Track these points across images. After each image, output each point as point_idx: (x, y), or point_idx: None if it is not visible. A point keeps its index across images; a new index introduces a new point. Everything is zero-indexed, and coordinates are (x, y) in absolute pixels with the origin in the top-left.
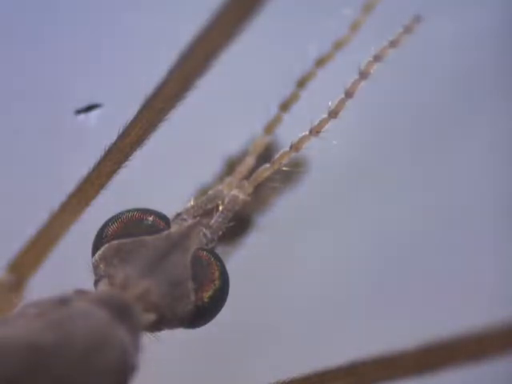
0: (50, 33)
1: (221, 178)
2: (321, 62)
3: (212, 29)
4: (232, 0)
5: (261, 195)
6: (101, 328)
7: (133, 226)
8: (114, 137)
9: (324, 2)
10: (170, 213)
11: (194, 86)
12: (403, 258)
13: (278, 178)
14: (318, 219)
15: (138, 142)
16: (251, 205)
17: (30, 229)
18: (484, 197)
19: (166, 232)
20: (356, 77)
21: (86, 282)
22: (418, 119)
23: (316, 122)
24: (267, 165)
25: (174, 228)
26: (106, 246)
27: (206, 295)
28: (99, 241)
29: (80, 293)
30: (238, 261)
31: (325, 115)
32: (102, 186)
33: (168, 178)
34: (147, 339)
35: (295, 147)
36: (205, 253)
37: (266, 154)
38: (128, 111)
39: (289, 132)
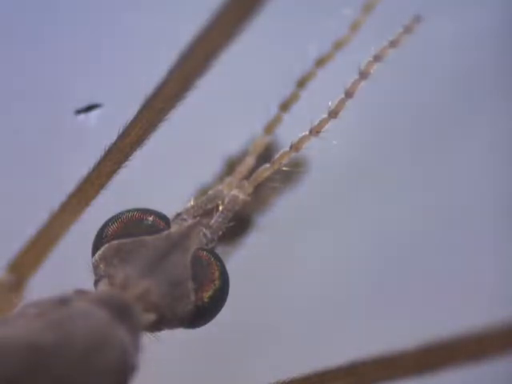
0: (50, 33)
1: (221, 178)
2: (321, 62)
3: (212, 29)
4: (232, 0)
5: (261, 195)
6: (101, 328)
7: (133, 225)
8: (113, 137)
9: (324, 2)
10: (170, 213)
11: (194, 86)
12: (403, 258)
13: (277, 177)
14: (317, 219)
15: (137, 141)
16: (251, 205)
17: (30, 229)
18: (484, 197)
19: (165, 232)
20: (356, 77)
21: (86, 281)
22: (418, 119)
23: (316, 122)
24: (267, 165)
25: (174, 228)
26: (106, 246)
27: (206, 295)
28: (99, 241)
29: (80, 293)
30: (238, 261)
31: (325, 115)
32: (102, 185)
33: (168, 178)
34: (147, 339)
35: (295, 147)
36: (205, 253)
37: (266, 154)
38: (128, 111)
39: (289, 132)
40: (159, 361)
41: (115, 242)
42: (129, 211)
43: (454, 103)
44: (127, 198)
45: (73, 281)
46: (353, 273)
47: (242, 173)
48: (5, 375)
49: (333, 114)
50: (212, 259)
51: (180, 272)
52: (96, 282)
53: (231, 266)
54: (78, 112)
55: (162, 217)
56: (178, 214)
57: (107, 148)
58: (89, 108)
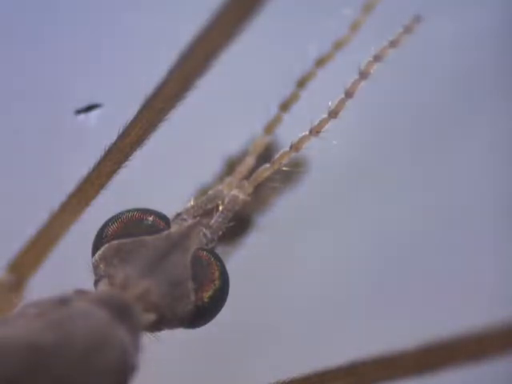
0: (50, 33)
1: (221, 178)
2: (321, 62)
3: (212, 29)
4: (232, 0)
5: (261, 195)
6: (101, 328)
7: (133, 225)
8: (114, 137)
9: (324, 2)
10: (170, 213)
11: (194, 86)
12: (403, 258)
13: (277, 177)
14: (317, 219)
15: (138, 141)
16: (251, 205)
17: (30, 229)
18: (484, 197)
19: (165, 232)
20: (356, 77)
21: (86, 281)
22: (418, 119)
23: (316, 122)
24: (267, 165)
25: (174, 228)
26: (106, 246)
27: (206, 295)
28: (99, 241)
29: (80, 293)
30: (238, 261)
31: (325, 115)
32: (102, 185)
33: (168, 178)
34: (147, 339)
35: (295, 147)
36: (205, 253)
37: (266, 154)
38: (128, 111)
39: (289, 132)
40: (159, 361)
41: (115, 242)
42: (129, 211)
43: (454, 103)
44: (127, 197)
45: (73, 281)
46: (353, 273)
47: (242, 173)
48: (5, 375)
49: (333, 113)
50: (212, 259)
51: (180, 272)
52: (96, 282)
53: (231, 266)
54: (78, 112)
55: (161, 217)
56: (178, 214)
57: (107, 148)
58: (89, 108)
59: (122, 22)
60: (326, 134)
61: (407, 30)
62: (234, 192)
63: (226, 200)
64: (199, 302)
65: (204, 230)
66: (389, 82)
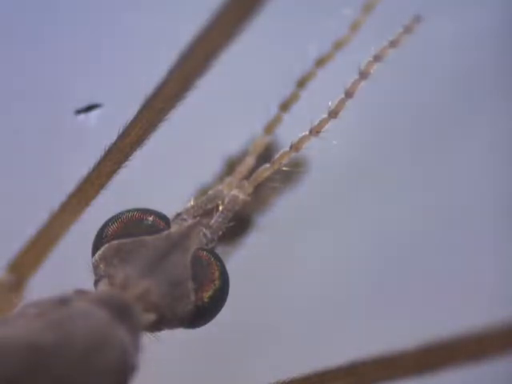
0: (50, 33)
1: (221, 178)
2: (321, 62)
3: (212, 29)
4: (232, 0)
5: (261, 195)
6: (101, 328)
7: (133, 225)
8: (113, 137)
9: (324, 2)
10: (170, 213)
11: (194, 86)
12: (403, 258)
13: (277, 177)
14: (318, 219)
15: (138, 141)
16: (251, 205)
17: (30, 229)
18: (484, 197)
19: (165, 232)
20: (356, 77)
21: (86, 281)
22: (418, 119)
23: (316, 122)
24: (267, 165)
25: (174, 228)
26: (106, 246)
27: (206, 295)
28: (99, 241)
29: (80, 293)
30: (238, 261)
31: (325, 115)
32: (102, 185)
33: (168, 178)
34: (147, 339)
35: (295, 147)
36: (205, 253)
37: (266, 154)
38: (128, 111)
39: (289, 132)
40: (159, 361)
41: (115, 242)
42: (129, 211)
43: (454, 103)
44: (127, 197)
45: (73, 281)
46: (353, 273)
47: (242, 173)
48: (5, 375)
49: (333, 113)
50: (212, 259)
51: (180, 272)
52: (96, 282)
53: (231, 266)
54: (78, 112)
55: (161, 217)
56: (178, 214)
57: (107, 148)
58: (89, 108)
59: (122, 22)
60: (326, 134)
61: (407, 29)
62: (234, 192)
63: (226, 200)
64: (199, 302)
65: (204, 229)
66: (389, 82)
